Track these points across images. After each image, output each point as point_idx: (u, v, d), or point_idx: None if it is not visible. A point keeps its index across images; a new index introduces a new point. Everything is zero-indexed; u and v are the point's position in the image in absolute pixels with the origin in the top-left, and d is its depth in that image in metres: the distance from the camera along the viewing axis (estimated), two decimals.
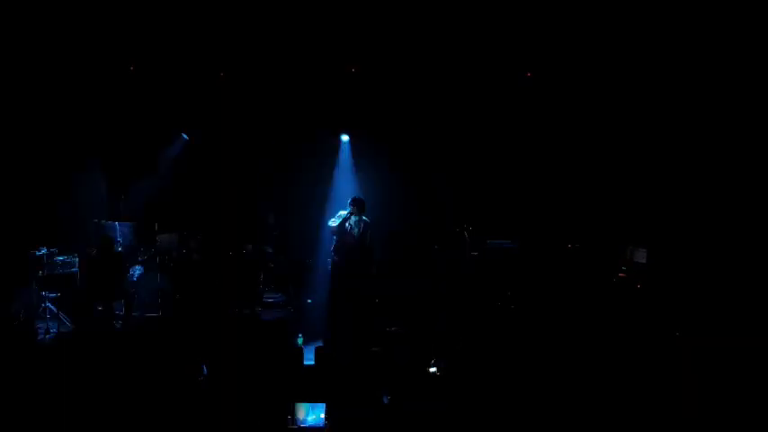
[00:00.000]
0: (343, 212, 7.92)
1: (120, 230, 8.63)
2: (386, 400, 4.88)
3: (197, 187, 9.44)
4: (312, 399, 4.35)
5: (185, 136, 9.52)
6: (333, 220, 7.97)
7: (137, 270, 8.50)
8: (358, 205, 7.91)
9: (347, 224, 7.87)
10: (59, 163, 8.82)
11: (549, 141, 9.17)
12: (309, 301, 9.28)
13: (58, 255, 8.04)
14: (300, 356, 5.77)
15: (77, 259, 8.16)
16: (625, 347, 6.10)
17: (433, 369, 5.57)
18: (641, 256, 8.46)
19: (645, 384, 5.14)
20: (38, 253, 7.79)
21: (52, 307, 7.88)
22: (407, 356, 5.77)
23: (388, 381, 5.19)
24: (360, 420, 4.30)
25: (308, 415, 4.00)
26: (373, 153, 9.57)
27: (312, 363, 5.68)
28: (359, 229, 7.92)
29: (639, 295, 8.07)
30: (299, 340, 6.66)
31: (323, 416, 3.99)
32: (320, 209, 9.32)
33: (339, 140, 9.64)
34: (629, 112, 8.53)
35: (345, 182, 9.63)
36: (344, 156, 9.73)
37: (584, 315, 7.30)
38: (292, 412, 3.96)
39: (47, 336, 7.49)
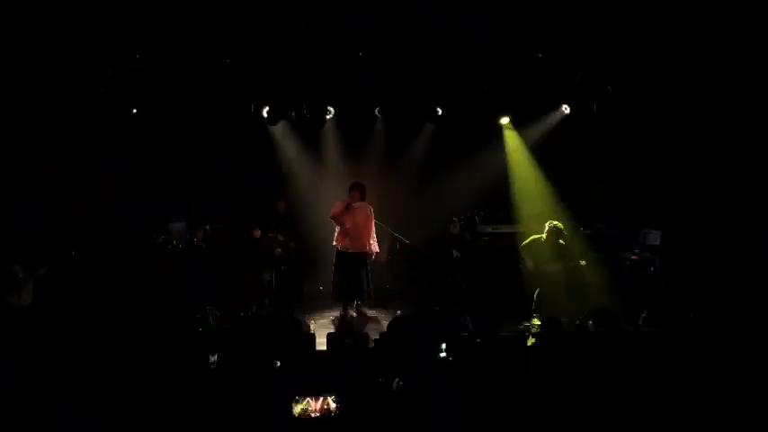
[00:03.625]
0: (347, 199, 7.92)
1: None
2: (395, 386, 4.87)
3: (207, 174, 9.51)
4: (323, 386, 4.34)
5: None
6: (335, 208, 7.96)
7: None
8: (359, 191, 7.88)
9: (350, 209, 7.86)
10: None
11: (561, 126, 9.09)
12: (321, 288, 9.33)
13: None
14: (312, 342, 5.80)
15: None
16: (639, 331, 6.05)
17: (443, 354, 5.54)
18: (655, 239, 8.40)
19: (658, 369, 5.09)
20: None
21: None
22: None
23: (398, 365, 5.17)
24: (370, 407, 4.30)
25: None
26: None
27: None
28: (363, 215, 7.93)
29: (653, 278, 8.01)
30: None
31: (333, 404, 4.00)
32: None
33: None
34: (642, 97, 8.39)
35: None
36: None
37: (597, 298, 7.24)
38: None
39: None
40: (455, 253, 8.49)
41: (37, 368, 4.58)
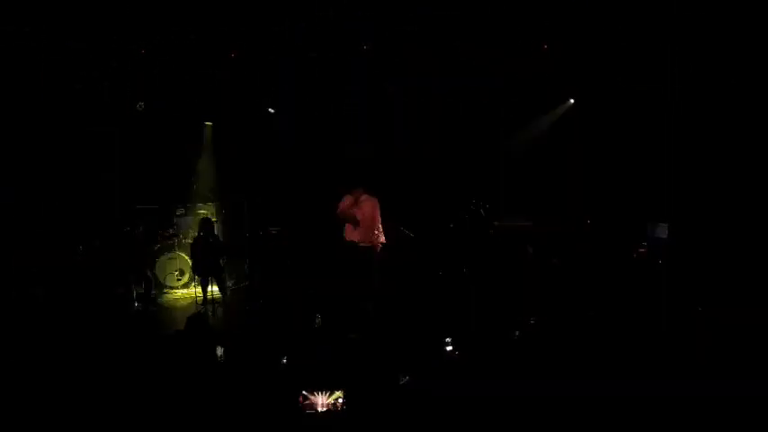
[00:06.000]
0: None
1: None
2: (403, 381, 4.87)
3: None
4: (330, 381, 4.35)
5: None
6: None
7: None
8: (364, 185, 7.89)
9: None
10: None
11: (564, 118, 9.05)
12: (326, 283, 9.33)
13: None
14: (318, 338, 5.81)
15: None
16: (646, 322, 6.03)
17: (449, 348, 5.54)
18: (662, 232, 8.33)
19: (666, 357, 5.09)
20: None
21: None
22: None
23: (405, 360, 5.18)
24: (377, 403, 4.30)
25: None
26: None
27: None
28: (370, 207, 7.92)
29: (660, 270, 7.96)
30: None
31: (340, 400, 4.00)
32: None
33: None
34: (647, 88, 8.32)
35: None
36: None
37: (605, 291, 7.21)
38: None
39: None
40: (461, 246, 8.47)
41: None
